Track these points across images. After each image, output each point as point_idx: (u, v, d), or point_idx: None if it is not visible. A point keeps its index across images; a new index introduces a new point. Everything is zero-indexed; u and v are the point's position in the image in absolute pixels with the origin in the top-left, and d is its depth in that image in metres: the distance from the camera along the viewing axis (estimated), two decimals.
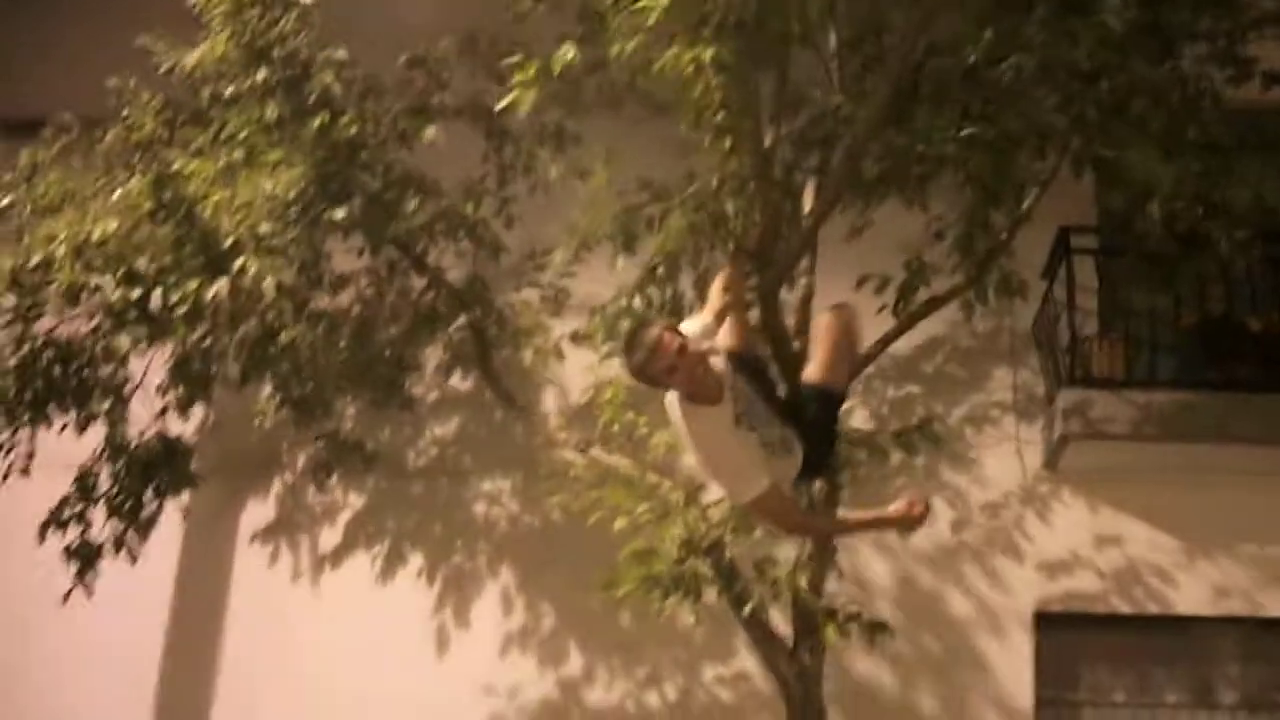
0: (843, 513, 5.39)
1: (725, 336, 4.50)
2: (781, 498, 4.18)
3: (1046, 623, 7.48)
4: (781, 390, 4.60)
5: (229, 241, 5.86)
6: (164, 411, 6.78)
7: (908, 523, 4.35)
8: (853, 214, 6.54)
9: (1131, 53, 5.89)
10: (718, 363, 4.12)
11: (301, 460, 7.86)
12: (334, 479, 7.65)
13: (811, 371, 4.63)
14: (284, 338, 6.23)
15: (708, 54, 4.98)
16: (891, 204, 6.44)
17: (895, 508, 4.30)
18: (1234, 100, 6.30)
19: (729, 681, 7.39)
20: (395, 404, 7.42)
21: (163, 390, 6.83)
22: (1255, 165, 5.89)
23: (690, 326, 4.32)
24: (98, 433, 6.74)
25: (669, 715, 7.41)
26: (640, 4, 4.95)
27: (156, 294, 5.91)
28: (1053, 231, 7.34)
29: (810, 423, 4.37)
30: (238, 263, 5.80)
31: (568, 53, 5.42)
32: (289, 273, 5.92)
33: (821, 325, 4.74)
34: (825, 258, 6.87)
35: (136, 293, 5.88)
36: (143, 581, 7.29)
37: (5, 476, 6.46)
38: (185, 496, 7.23)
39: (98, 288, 5.82)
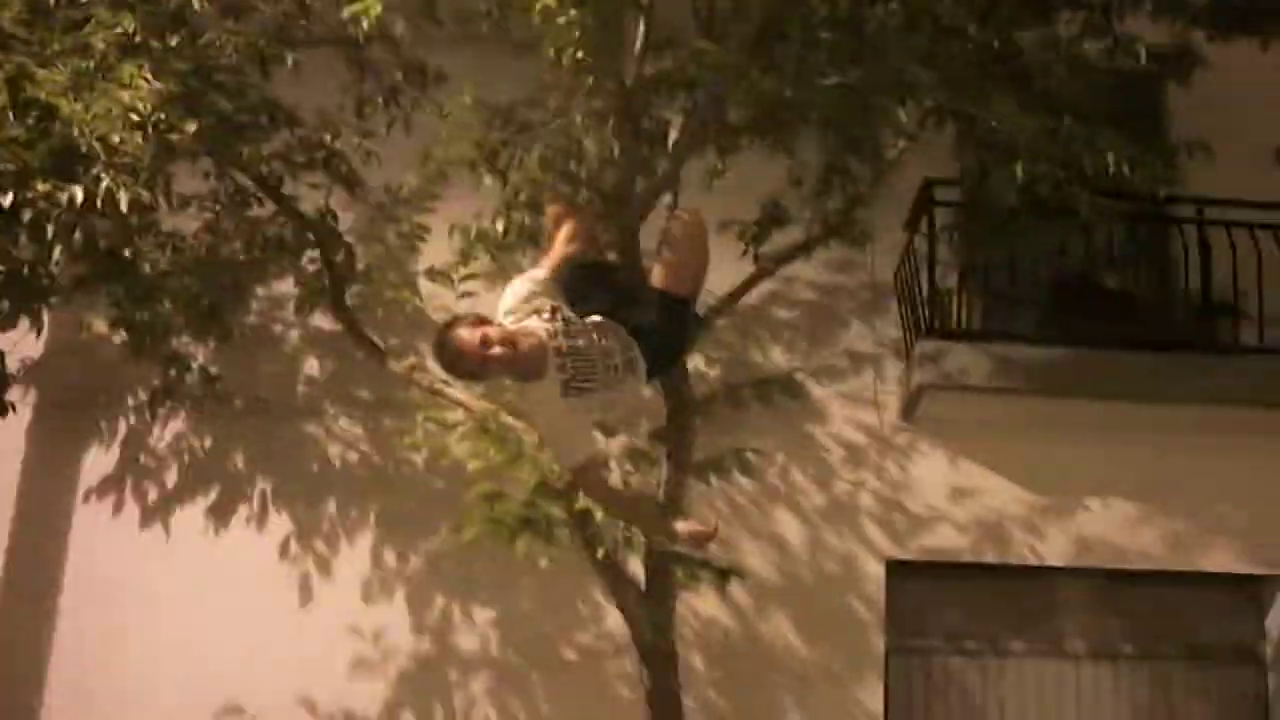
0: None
1: (561, 247, 4.43)
2: (599, 477, 4.31)
3: (899, 571, 7.56)
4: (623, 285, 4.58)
5: (83, 148, 5.60)
6: None
7: (698, 539, 4.32)
8: (712, 160, 6.50)
9: (1004, 11, 5.94)
10: (536, 331, 4.05)
11: (142, 397, 7.51)
12: (167, 408, 7.34)
13: (658, 277, 4.57)
14: (126, 253, 6.02)
15: None
16: (755, 150, 6.37)
17: (686, 527, 4.31)
18: (1099, 68, 6.39)
19: (589, 624, 7.38)
20: (222, 335, 7.08)
21: None
22: (1118, 132, 5.94)
23: (526, 284, 4.25)
24: None
25: (531, 657, 7.37)
26: None
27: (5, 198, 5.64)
28: (916, 183, 7.38)
29: (657, 330, 4.34)
30: (93, 171, 5.56)
31: None
32: (139, 188, 5.68)
33: (668, 231, 4.68)
34: (686, 203, 6.84)
35: None
36: None
37: None
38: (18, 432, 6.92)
39: None
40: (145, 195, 5.62)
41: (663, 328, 4.41)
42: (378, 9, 5.40)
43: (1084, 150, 5.87)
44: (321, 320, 7.40)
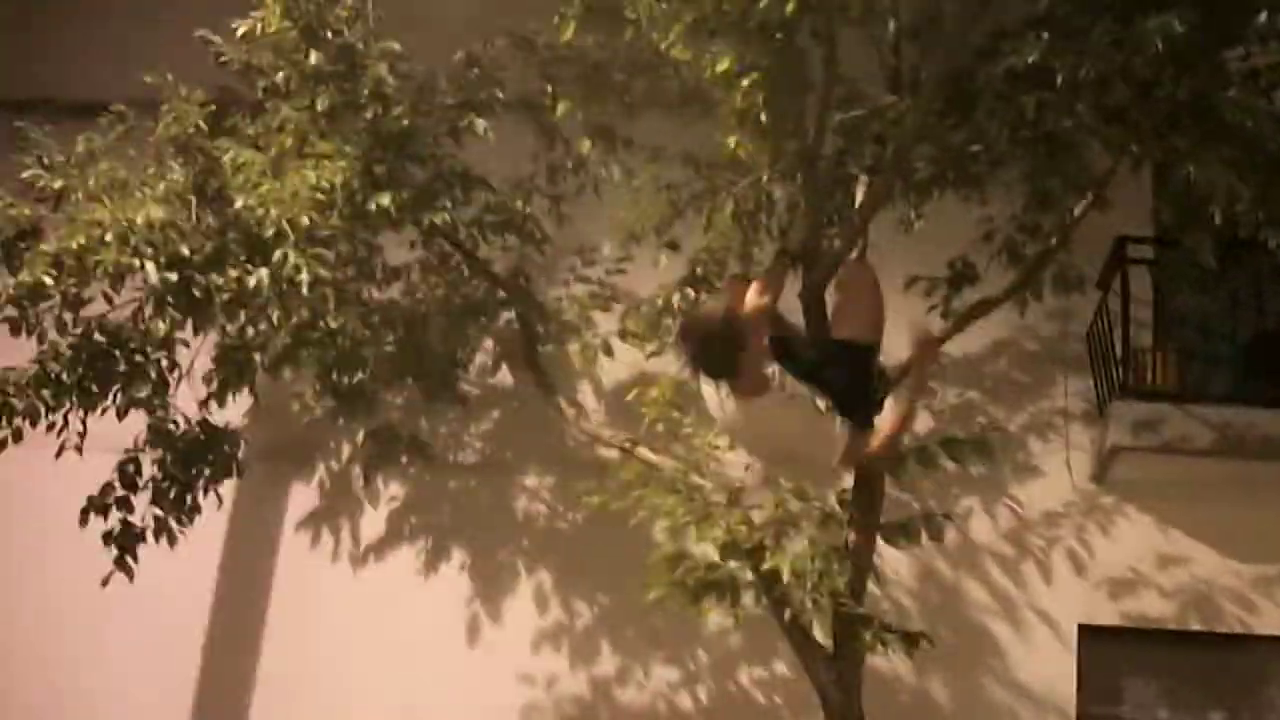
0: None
1: (755, 298, 4.55)
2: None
3: (1091, 636, 7.36)
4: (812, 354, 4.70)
5: (271, 232, 5.86)
6: (208, 399, 6.80)
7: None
8: (903, 210, 6.50)
9: (1194, 58, 5.79)
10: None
11: (346, 451, 7.88)
12: (375, 468, 7.66)
13: (840, 327, 4.58)
14: (325, 325, 6.29)
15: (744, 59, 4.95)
16: (942, 204, 6.36)
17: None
18: None
19: (765, 685, 7.34)
20: (446, 398, 7.42)
21: (207, 379, 6.87)
22: None
23: None
24: (140, 420, 6.74)
25: (702, 717, 7.37)
26: None
27: (199, 280, 5.97)
28: (1107, 243, 7.23)
29: (847, 384, 4.36)
30: (277, 254, 5.81)
31: None
32: (327, 266, 5.92)
33: (842, 281, 4.70)
34: (873, 259, 6.83)
35: (176, 277, 5.91)
36: (186, 570, 7.31)
37: (58, 454, 6.47)
38: (230, 485, 7.22)
39: (142, 267, 5.83)
40: (326, 273, 5.85)
41: (852, 378, 4.42)
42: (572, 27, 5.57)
43: None
44: (504, 377, 7.62)
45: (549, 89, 6.54)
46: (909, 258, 6.68)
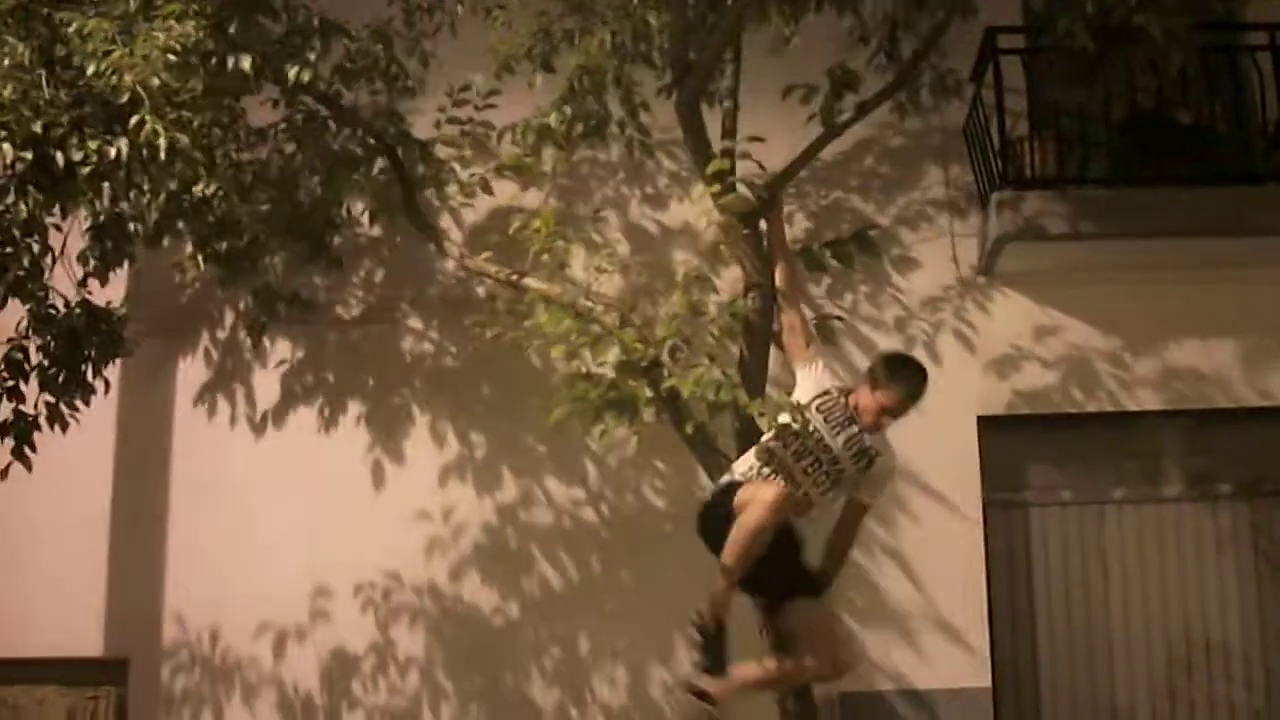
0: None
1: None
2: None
3: (990, 425, 7.54)
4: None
5: (126, 98, 5.68)
6: (86, 279, 6.65)
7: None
8: (778, 25, 6.53)
9: None
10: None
11: (230, 318, 7.77)
12: (260, 331, 7.56)
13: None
14: (198, 191, 6.16)
15: None
16: (820, 18, 6.44)
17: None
18: None
19: (663, 495, 7.49)
20: (323, 259, 7.36)
21: (84, 259, 6.72)
22: None
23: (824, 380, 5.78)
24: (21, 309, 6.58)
25: (607, 531, 7.52)
26: None
27: (58, 157, 5.81)
28: (979, 34, 7.24)
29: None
30: (134, 119, 5.65)
31: None
32: (189, 132, 5.76)
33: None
34: (749, 72, 6.81)
35: (32, 155, 5.77)
36: (86, 456, 7.30)
37: None
38: (119, 366, 7.12)
39: None
40: (183, 139, 5.70)
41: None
42: None
43: None
44: (387, 227, 7.57)
45: None
46: (788, 73, 6.67)
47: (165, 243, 6.81)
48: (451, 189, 7.16)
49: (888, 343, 7.48)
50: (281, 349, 7.75)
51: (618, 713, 7.36)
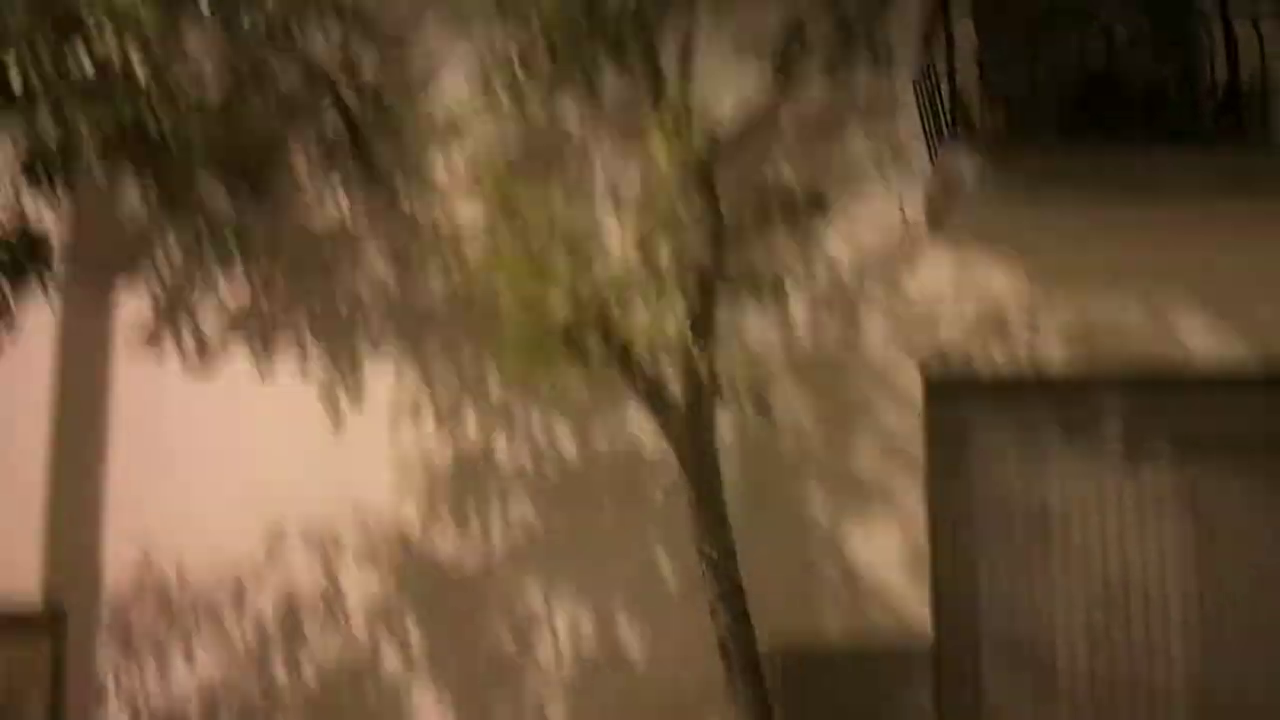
0: None
1: None
2: None
3: (935, 391, 7.57)
4: None
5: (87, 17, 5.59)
6: (18, 196, 6.47)
7: None
8: None
9: None
10: None
11: (176, 255, 7.56)
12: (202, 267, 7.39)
13: None
14: (146, 126, 6.05)
15: None
16: None
17: None
18: None
19: (622, 446, 7.48)
20: (268, 201, 7.16)
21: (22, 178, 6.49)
22: None
23: None
24: None
25: (566, 476, 7.50)
26: None
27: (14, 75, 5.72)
28: None
29: None
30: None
31: None
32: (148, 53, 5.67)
33: None
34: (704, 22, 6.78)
35: None
36: (20, 394, 7.21)
37: None
38: (58, 302, 7.00)
39: None
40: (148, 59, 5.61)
41: None
42: None
43: None
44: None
45: None
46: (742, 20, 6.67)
47: (100, 175, 6.55)
48: (405, 130, 7.07)
49: (832, 300, 7.48)
50: (230, 288, 7.58)
51: (581, 656, 7.38)
